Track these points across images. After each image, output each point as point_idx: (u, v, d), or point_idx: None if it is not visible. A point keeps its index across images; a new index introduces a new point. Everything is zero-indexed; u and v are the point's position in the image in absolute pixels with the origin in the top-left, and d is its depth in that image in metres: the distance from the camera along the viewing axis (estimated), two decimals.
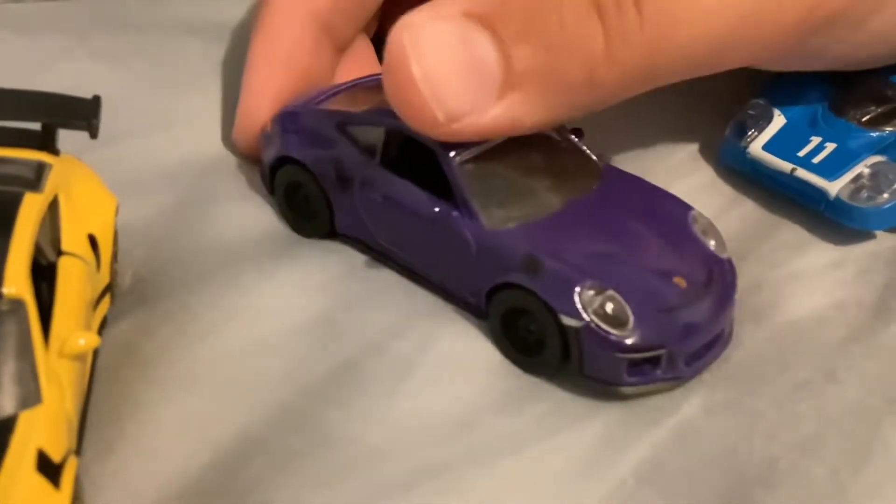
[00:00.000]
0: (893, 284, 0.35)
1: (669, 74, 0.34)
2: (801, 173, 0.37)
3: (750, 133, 0.39)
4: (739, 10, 0.32)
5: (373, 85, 0.36)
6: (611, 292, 0.30)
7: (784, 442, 0.30)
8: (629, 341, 0.30)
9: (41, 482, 0.23)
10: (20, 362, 0.24)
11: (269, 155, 0.36)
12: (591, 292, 0.30)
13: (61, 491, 0.23)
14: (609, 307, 0.30)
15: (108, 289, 0.31)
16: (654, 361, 0.30)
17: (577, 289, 0.30)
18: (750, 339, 0.33)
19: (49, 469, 0.23)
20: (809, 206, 0.37)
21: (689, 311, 0.31)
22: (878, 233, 0.37)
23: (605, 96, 0.33)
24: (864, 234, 0.37)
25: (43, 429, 0.24)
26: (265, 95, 0.38)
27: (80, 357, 0.26)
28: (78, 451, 0.26)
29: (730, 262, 0.33)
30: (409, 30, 0.31)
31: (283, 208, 0.37)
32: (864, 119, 0.38)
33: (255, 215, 0.37)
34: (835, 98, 0.39)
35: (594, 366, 0.30)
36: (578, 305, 0.30)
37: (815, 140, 0.38)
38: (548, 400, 0.31)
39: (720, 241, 0.33)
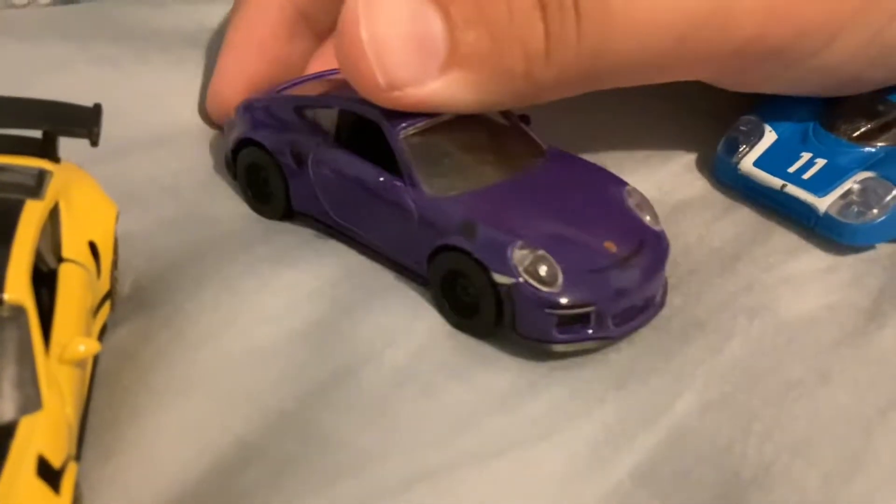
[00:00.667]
0: (888, 289, 0.36)
1: (608, 80, 0.35)
2: (791, 189, 0.38)
3: (741, 149, 0.39)
4: (676, 30, 0.34)
5: (331, 78, 0.39)
6: (541, 252, 0.31)
7: (778, 443, 0.30)
8: (559, 298, 0.31)
9: (41, 487, 0.23)
10: (21, 368, 0.24)
11: (231, 139, 0.38)
12: (523, 252, 0.31)
13: (61, 496, 0.23)
14: (539, 266, 0.31)
15: (108, 296, 0.31)
16: (584, 319, 0.32)
17: (510, 249, 0.31)
18: (743, 338, 0.33)
19: (49, 474, 0.23)
20: (800, 222, 0.38)
21: (618, 273, 0.32)
22: None
23: (543, 91, 0.34)
24: None
25: (43, 434, 0.24)
26: (236, 78, 0.40)
27: (80, 363, 0.27)
28: (77, 456, 0.26)
29: (662, 233, 0.34)
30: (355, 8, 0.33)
31: (243, 190, 0.38)
32: (854, 134, 0.38)
33: (252, 223, 0.37)
34: (826, 114, 0.39)
35: (526, 323, 0.32)
36: (511, 264, 0.31)
37: (806, 156, 0.38)
38: (543, 400, 0.31)
39: (654, 215, 0.35)
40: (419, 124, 0.34)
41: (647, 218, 0.34)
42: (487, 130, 0.36)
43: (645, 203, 0.35)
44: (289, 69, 0.40)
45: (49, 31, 0.47)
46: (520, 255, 0.31)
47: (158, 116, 0.42)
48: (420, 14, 0.33)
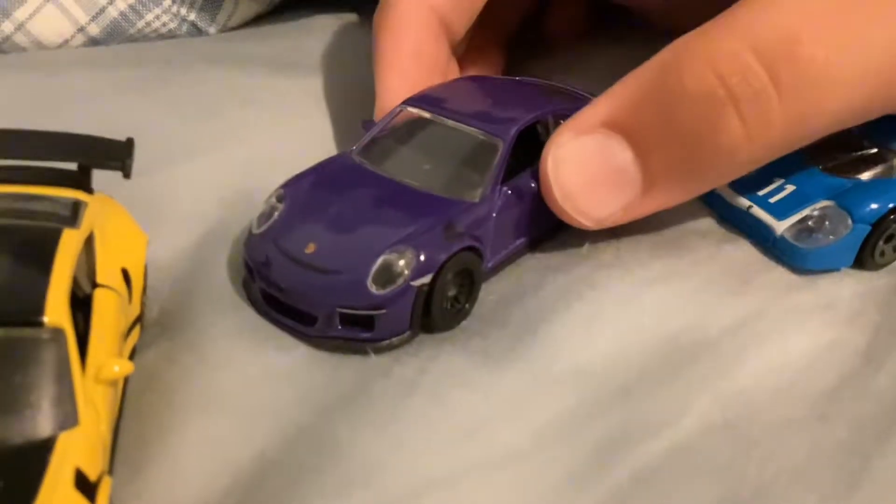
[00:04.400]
0: (883, 328, 0.36)
1: (815, 135, 0.35)
2: (756, 211, 0.39)
3: None
4: (881, 77, 0.34)
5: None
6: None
7: (777, 468, 0.31)
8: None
9: (78, 499, 0.24)
10: (59, 387, 0.26)
11: None
12: None
13: None
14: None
15: (138, 320, 0.33)
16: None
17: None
18: (749, 371, 0.34)
19: (85, 487, 0.25)
20: (760, 241, 0.39)
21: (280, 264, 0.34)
22: (869, 274, 0.39)
23: (746, 169, 0.36)
24: (854, 275, 0.39)
25: (80, 449, 0.25)
26: (402, 89, 0.41)
27: (113, 383, 0.28)
28: (109, 471, 0.28)
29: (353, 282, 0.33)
30: (553, 149, 0.36)
31: None
32: (830, 165, 0.40)
33: None
34: (812, 146, 0.41)
35: None
36: None
37: (778, 181, 0.40)
38: (547, 411, 0.32)
39: (385, 282, 0.33)
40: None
41: (371, 278, 0.33)
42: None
43: (389, 268, 0.33)
44: (441, 74, 0.43)
45: (77, 65, 0.48)
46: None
47: (182, 138, 0.44)
48: (607, 148, 0.35)
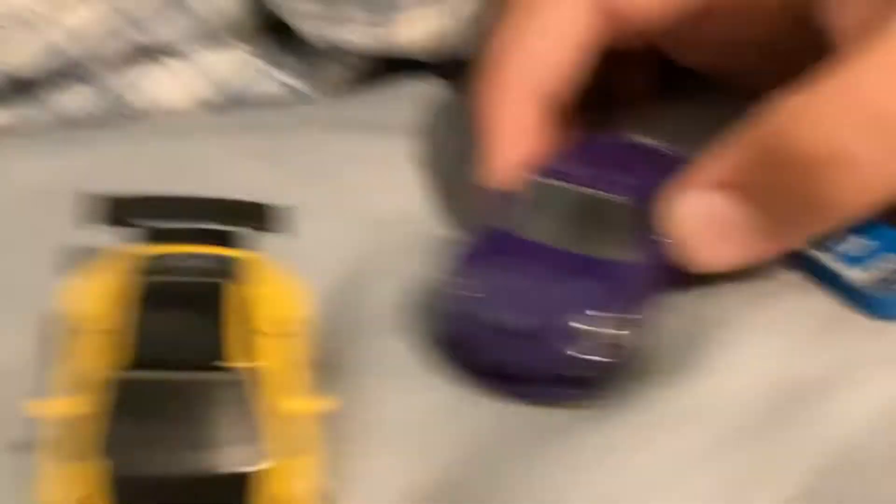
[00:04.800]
0: None
1: None
2: (833, 263, 0.41)
3: None
4: None
5: None
6: None
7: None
8: None
9: None
10: (247, 425, 0.29)
11: None
12: None
13: None
14: None
15: (303, 363, 0.35)
16: None
17: None
18: (854, 416, 0.35)
19: None
20: (827, 289, 0.41)
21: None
22: None
23: (849, 220, 0.38)
24: None
25: (273, 483, 0.28)
26: (512, 154, 0.43)
27: (293, 421, 0.31)
28: None
29: None
30: (672, 205, 0.39)
31: None
32: None
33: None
34: None
35: None
36: None
37: (854, 235, 0.41)
38: (557, 418, 0.35)
39: None
40: None
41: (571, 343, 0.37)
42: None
43: (586, 332, 0.37)
44: (547, 139, 0.44)
45: (203, 131, 0.51)
46: None
47: (309, 201, 0.44)
48: (721, 206, 0.38)
